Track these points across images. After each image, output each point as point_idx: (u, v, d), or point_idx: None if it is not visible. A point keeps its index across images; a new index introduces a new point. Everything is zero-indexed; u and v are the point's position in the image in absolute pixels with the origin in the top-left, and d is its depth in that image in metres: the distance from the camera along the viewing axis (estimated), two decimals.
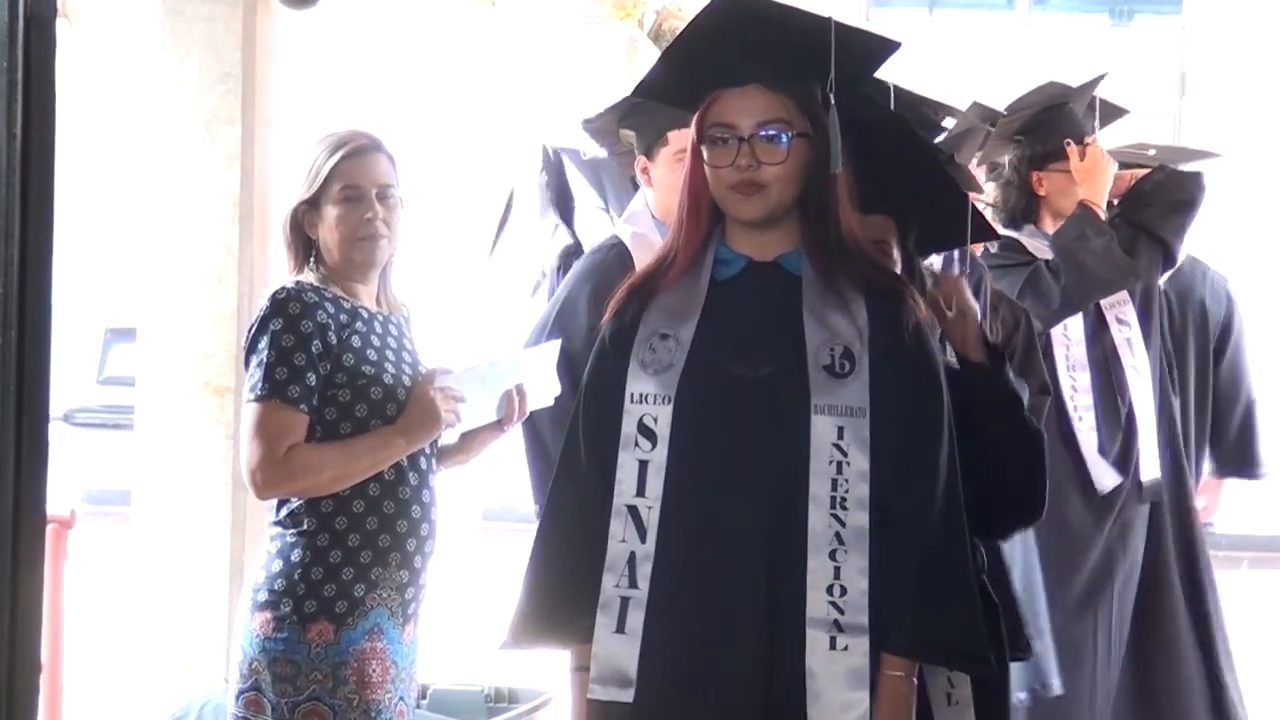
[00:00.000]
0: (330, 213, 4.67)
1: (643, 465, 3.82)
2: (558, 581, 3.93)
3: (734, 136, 3.81)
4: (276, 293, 4.67)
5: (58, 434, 4.83)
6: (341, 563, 4.58)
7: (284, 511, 4.62)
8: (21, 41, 4.25)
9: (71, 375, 13.11)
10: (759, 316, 3.86)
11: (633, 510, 3.82)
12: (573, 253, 5.81)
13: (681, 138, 4.67)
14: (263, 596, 4.61)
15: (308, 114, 6.33)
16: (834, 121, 3.79)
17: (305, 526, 4.60)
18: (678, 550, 3.80)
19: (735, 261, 3.89)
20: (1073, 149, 6.51)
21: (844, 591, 3.74)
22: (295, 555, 4.60)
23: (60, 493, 5.01)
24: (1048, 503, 4.79)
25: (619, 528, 3.83)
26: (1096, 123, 6.70)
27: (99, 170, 10.20)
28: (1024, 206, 6.64)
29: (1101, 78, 6.79)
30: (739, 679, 3.78)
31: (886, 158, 4.05)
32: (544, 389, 4.84)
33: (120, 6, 6.73)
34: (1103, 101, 6.77)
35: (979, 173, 6.65)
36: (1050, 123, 6.62)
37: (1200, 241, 7.08)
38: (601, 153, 6.01)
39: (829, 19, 3.81)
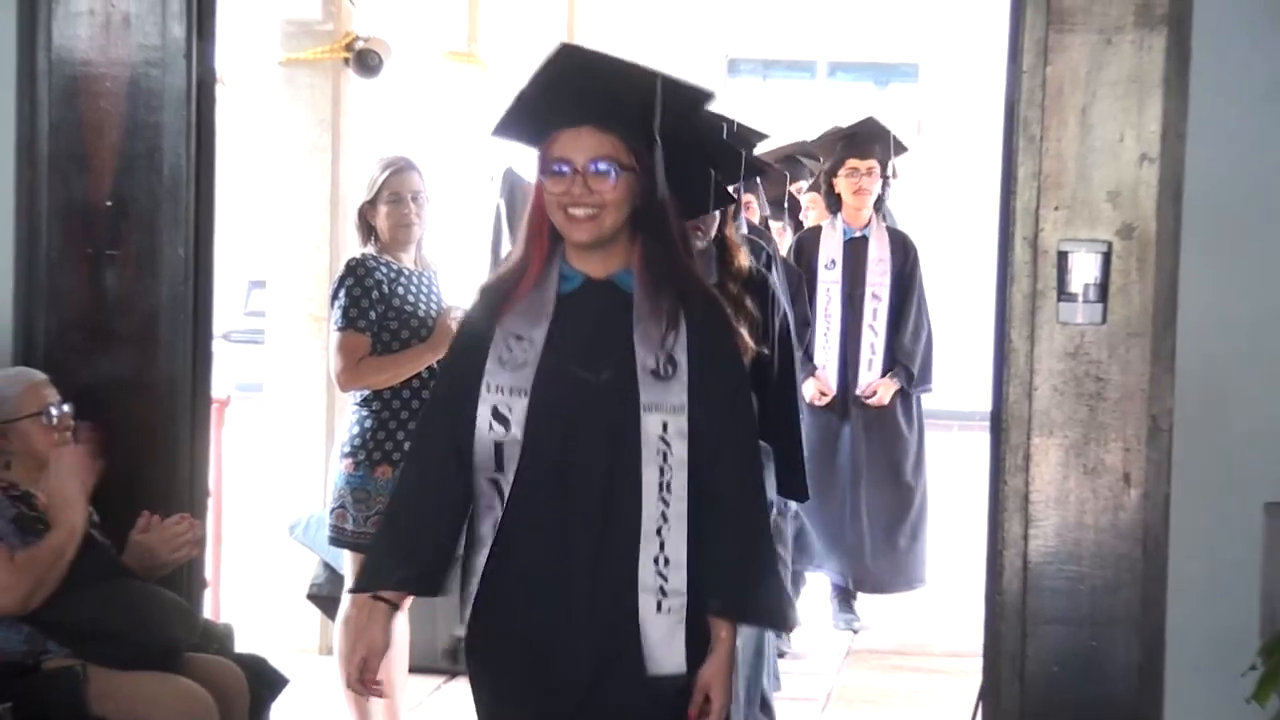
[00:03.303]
0: (382, 209, 4.66)
1: (498, 446, 2.95)
2: (392, 537, 3.08)
3: (570, 169, 2.95)
4: (350, 260, 4.67)
5: (219, 347, 4.81)
6: (396, 428, 4.58)
7: (359, 397, 4.63)
8: (195, 98, 4.24)
9: (227, 309, 13.04)
10: (597, 327, 3.00)
11: (493, 483, 2.97)
12: None
13: None
14: (347, 449, 4.61)
15: (371, 144, 6.31)
16: (659, 159, 2.97)
17: (373, 407, 4.60)
18: (527, 522, 2.98)
19: (575, 278, 3.02)
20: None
21: (667, 562, 2.93)
22: (367, 424, 4.60)
23: (220, 383, 4.99)
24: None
25: (487, 494, 2.99)
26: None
27: (241, 180, 10.13)
28: (832, 202, 6.63)
29: (870, 119, 6.62)
30: (580, 633, 2.97)
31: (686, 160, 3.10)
32: None
33: (256, 77, 6.72)
34: (857, 134, 6.63)
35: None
36: (840, 146, 6.59)
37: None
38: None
39: (655, 72, 2.97)
